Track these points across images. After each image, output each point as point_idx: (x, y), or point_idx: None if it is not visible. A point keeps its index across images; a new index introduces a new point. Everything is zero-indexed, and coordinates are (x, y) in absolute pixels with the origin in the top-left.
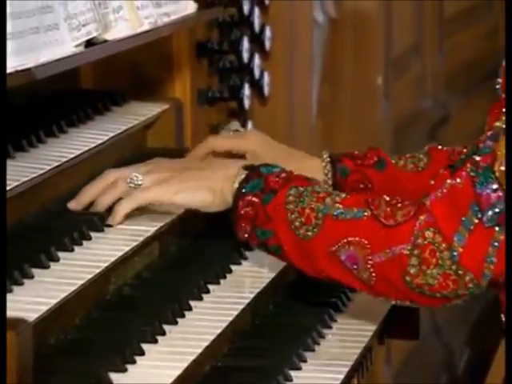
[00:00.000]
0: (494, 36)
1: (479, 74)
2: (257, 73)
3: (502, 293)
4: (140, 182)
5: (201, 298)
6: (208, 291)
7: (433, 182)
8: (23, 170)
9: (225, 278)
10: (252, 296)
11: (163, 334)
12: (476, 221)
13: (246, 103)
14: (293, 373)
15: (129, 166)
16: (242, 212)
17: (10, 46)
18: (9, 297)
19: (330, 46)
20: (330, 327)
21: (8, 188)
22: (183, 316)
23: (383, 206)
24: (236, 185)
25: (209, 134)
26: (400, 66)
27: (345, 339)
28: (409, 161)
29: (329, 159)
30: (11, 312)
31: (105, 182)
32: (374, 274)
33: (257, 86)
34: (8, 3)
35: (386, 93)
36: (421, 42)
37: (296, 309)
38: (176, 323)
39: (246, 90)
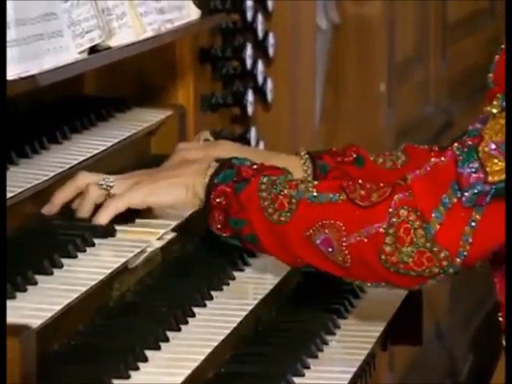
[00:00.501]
0: (496, 42)
1: (482, 80)
2: (260, 79)
3: (495, 275)
4: (111, 184)
5: (204, 305)
6: (211, 298)
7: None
8: (27, 176)
9: (228, 284)
10: (255, 302)
11: (166, 340)
12: (455, 200)
13: (250, 109)
14: (296, 379)
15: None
16: (215, 203)
17: (14, 52)
18: (12, 303)
19: (333, 53)
20: (334, 334)
21: (12, 194)
22: (186, 323)
23: (358, 189)
24: (207, 177)
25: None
26: (403, 73)
27: (348, 346)
28: (387, 159)
29: (307, 156)
30: (15, 319)
31: (75, 185)
32: (348, 256)
33: (260, 92)
34: (12, 10)
35: (389, 99)
36: (424, 49)
37: (299, 315)
38: (179, 330)
39: (250, 96)
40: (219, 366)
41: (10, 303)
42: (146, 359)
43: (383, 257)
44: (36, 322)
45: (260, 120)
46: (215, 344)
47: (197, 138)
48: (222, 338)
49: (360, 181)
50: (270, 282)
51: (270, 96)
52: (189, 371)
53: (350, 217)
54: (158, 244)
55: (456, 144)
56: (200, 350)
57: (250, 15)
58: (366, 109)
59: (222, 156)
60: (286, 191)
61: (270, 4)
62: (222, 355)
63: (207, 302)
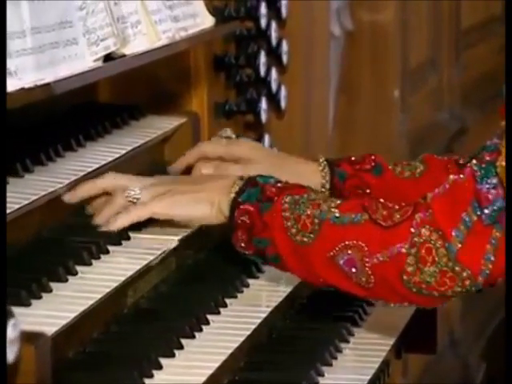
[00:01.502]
0: None
1: (496, 86)
2: (274, 86)
3: None
4: (138, 197)
5: (218, 312)
6: (225, 305)
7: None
8: (42, 183)
9: (242, 292)
10: (269, 310)
11: (181, 348)
12: (475, 218)
13: (263, 116)
14: None
15: (127, 175)
16: (239, 221)
17: (29, 60)
18: (27, 310)
19: (346, 59)
20: (348, 341)
21: (27, 202)
22: (201, 330)
23: (381, 209)
24: (232, 195)
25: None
26: (416, 79)
27: (362, 353)
28: (406, 168)
29: (325, 163)
30: (29, 326)
31: (101, 186)
32: (372, 277)
33: (274, 100)
34: (28, 18)
35: (403, 106)
36: (437, 55)
37: (313, 323)
38: (193, 337)
39: (263, 104)
40: (233, 374)
41: (25, 310)
42: (160, 367)
43: (405, 277)
44: (51, 330)
45: (273, 127)
46: (230, 351)
47: (219, 135)
48: (236, 345)
49: (382, 200)
50: (284, 289)
51: (283, 103)
52: (203, 379)
53: (372, 237)
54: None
55: (474, 161)
56: (214, 357)
57: (263, 23)
58: (379, 115)
59: (243, 152)
60: (309, 211)
61: (283, 11)
62: (236, 363)
63: (221, 310)
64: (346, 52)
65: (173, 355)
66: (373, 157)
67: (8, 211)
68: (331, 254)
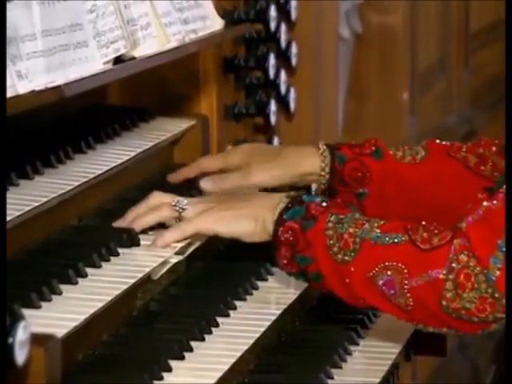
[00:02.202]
0: None
1: (504, 89)
2: (283, 89)
3: None
4: (185, 207)
5: (227, 315)
6: (235, 307)
7: (470, 206)
8: (52, 186)
9: (251, 294)
10: (278, 312)
11: (190, 350)
12: None
13: (273, 119)
14: None
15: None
16: (283, 238)
17: (40, 63)
18: (37, 313)
19: (355, 62)
20: (357, 344)
21: (37, 204)
22: (210, 332)
23: (421, 231)
24: (277, 212)
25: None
26: (425, 82)
27: (371, 356)
28: (407, 152)
29: (325, 147)
30: (39, 328)
31: (147, 205)
32: (410, 299)
33: (283, 102)
34: (38, 21)
35: (412, 108)
36: (446, 58)
37: (322, 325)
38: (203, 340)
39: (273, 106)
40: (243, 376)
41: (35, 312)
42: (170, 369)
43: (444, 303)
44: (61, 332)
45: (283, 129)
46: (239, 354)
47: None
48: (245, 347)
49: (424, 222)
50: (293, 291)
51: (292, 105)
52: (213, 381)
53: (411, 260)
54: (181, 256)
55: (505, 186)
56: (224, 359)
57: (273, 25)
58: (388, 118)
59: (241, 158)
60: (351, 230)
61: (293, 14)
62: (245, 365)
63: (231, 312)
64: (355, 54)
65: (182, 357)
66: (373, 141)
67: (18, 213)
68: (371, 274)
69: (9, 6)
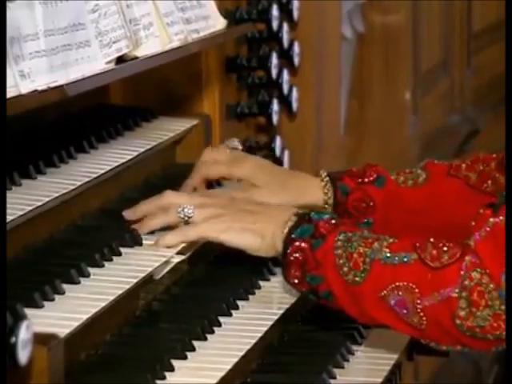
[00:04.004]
0: None
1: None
2: (285, 88)
3: None
4: (191, 215)
5: (230, 314)
6: (237, 307)
7: (473, 223)
8: (54, 185)
9: (254, 294)
10: (281, 312)
11: (193, 350)
12: None
13: (275, 119)
14: None
15: (186, 192)
16: (292, 258)
17: (42, 62)
18: (40, 312)
19: (358, 62)
20: (359, 344)
21: (39, 203)
22: (212, 332)
23: (429, 248)
24: (286, 230)
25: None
26: (428, 81)
27: (374, 356)
28: (408, 177)
29: (328, 178)
30: (42, 328)
31: (158, 204)
32: (424, 319)
33: (285, 102)
34: (41, 21)
35: (415, 108)
36: (449, 58)
37: (325, 325)
38: (205, 339)
39: (275, 106)
40: (245, 376)
41: (38, 312)
42: (172, 369)
43: (458, 321)
44: (63, 331)
45: (285, 129)
46: (241, 354)
47: (225, 145)
48: (248, 347)
49: (432, 239)
50: (295, 291)
51: (295, 105)
52: (215, 381)
53: (422, 279)
54: (183, 256)
55: None
56: (226, 359)
57: (275, 25)
58: (390, 118)
59: (245, 173)
60: (361, 249)
61: (295, 13)
62: (248, 365)
63: (233, 312)
64: (357, 54)
65: (185, 357)
66: (374, 168)
67: (20, 213)
68: (382, 294)
69: (11, 5)
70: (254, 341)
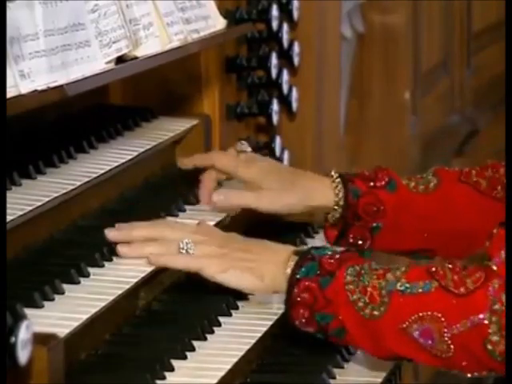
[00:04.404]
0: None
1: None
2: (285, 88)
3: None
4: (191, 252)
5: (230, 314)
6: (237, 307)
7: (488, 244)
8: (54, 185)
9: (253, 294)
10: (281, 312)
11: (193, 350)
12: None
13: (275, 119)
14: None
15: (181, 225)
16: (299, 298)
17: (42, 62)
18: (40, 312)
19: (357, 62)
20: None
21: (39, 204)
22: (212, 332)
23: (449, 274)
24: (288, 270)
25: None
26: (428, 82)
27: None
28: (419, 182)
29: (339, 180)
30: (42, 327)
31: (153, 234)
32: (452, 347)
33: (285, 102)
34: (41, 21)
35: (414, 108)
36: (449, 58)
37: None
38: (205, 339)
39: (275, 106)
40: (245, 376)
41: (37, 312)
42: (172, 369)
43: (490, 347)
44: (63, 331)
45: (285, 129)
46: (241, 354)
47: (234, 148)
48: (248, 347)
49: (448, 265)
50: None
51: (294, 105)
52: (215, 381)
53: (447, 307)
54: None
55: None
56: (226, 359)
57: (275, 25)
58: (390, 118)
59: (253, 176)
60: (374, 282)
61: (295, 13)
62: (248, 365)
63: (233, 312)
64: (357, 54)
65: (185, 357)
66: (385, 171)
67: (20, 213)
68: (404, 326)
69: (11, 5)
70: (253, 341)
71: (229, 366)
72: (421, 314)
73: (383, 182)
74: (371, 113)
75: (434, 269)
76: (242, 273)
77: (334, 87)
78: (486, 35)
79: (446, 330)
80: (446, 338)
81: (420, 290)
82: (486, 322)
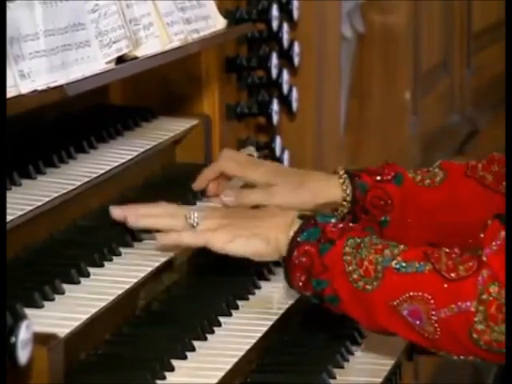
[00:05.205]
0: None
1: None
2: (285, 88)
3: None
4: (196, 221)
5: (230, 314)
6: (237, 307)
7: (482, 235)
8: (54, 185)
9: (254, 294)
10: (281, 312)
11: (193, 349)
12: None
13: (275, 119)
14: None
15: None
16: (297, 261)
17: (42, 62)
18: (40, 312)
19: (358, 62)
20: (359, 344)
21: (39, 204)
22: (212, 332)
23: (444, 258)
24: (291, 233)
25: (237, 149)
26: (428, 82)
27: (374, 356)
28: (426, 176)
29: (346, 176)
30: (42, 327)
31: (167, 209)
32: (438, 330)
33: (285, 102)
34: (41, 21)
35: (415, 108)
36: (449, 58)
37: (325, 325)
38: (205, 339)
39: (275, 106)
40: (245, 376)
41: (37, 312)
42: (172, 368)
43: (475, 335)
44: (63, 331)
45: (285, 129)
46: (241, 354)
47: (242, 151)
48: (248, 347)
49: (445, 249)
50: (295, 291)
51: (294, 105)
52: (215, 381)
53: (438, 290)
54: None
55: None
56: (226, 359)
57: (275, 25)
58: (390, 118)
59: (260, 178)
60: (371, 256)
61: (295, 13)
62: (248, 365)
63: (233, 312)
64: (357, 54)
65: (185, 357)
66: (391, 166)
67: (20, 213)
68: (394, 303)
69: (11, 5)
70: (253, 341)
71: (229, 366)
72: (411, 294)
73: (389, 176)
74: (371, 113)
75: (430, 251)
76: (248, 239)
77: (333, 87)
78: (486, 35)
79: (433, 313)
80: (433, 321)
81: (414, 270)
82: (472, 309)
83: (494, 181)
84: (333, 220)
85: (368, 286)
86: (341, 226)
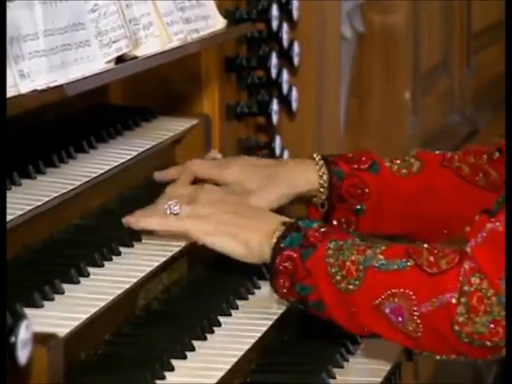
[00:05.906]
0: None
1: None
2: (285, 88)
3: None
4: (175, 212)
5: (230, 314)
6: (237, 307)
7: (468, 229)
8: (54, 185)
9: (253, 293)
10: (280, 312)
11: (192, 349)
12: None
13: (275, 118)
14: None
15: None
16: (281, 267)
17: (42, 62)
18: (40, 312)
19: (357, 62)
20: (359, 343)
21: (39, 204)
22: (212, 332)
23: (425, 254)
24: (274, 240)
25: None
26: (428, 82)
27: (374, 356)
28: (402, 165)
29: (322, 162)
30: (42, 327)
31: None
32: (420, 326)
33: (285, 102)
34: (41, 20)
35: (414, 108)
36: (449, 58)
37: (324, 325)
38: (205, 339)
39: (275, 106)
40: (245, 376)
41: (37, 312)
42: (172, 368)
43: (457, 328)
44: (63, 331)
45: (285, 129)
46: (241, 353)
47: (206, 158)
48: (247, 347)
49: (426, 245)
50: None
51: (294, 105)
52: (215, 381)
53: (419, 285)
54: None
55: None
56: (226, 359)
57: (275, 24)
58: (390, 118)
59: (235, 176)
60: (353, 257)
61: (295, 13)
62: (247, 365)
63: (233, 312)
64: (357, 54)
65: (184, 357)
66: (369, 154)
67: (20, 213)
68: (377, 302)
69: (11, 5)
70: (253, 341)
71: (229, 366)
72: (393, 291)
73: (366, 165)
74: (371, 113)
75: (412, 250)
76: (225, 237)
77: (333, 87)
78: (486, 35)
79: (415, 309)
80: (415, 317)
81: (395, 267)
82: (453, 301)
83: (471, 172)
84: (315, 225)
85: (350, 287)
86: (323, 230)
